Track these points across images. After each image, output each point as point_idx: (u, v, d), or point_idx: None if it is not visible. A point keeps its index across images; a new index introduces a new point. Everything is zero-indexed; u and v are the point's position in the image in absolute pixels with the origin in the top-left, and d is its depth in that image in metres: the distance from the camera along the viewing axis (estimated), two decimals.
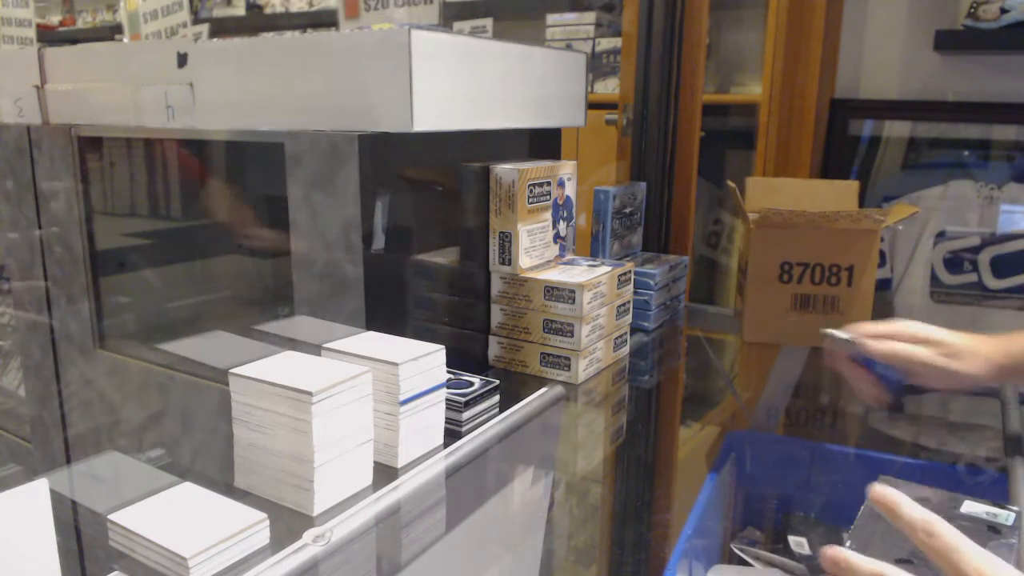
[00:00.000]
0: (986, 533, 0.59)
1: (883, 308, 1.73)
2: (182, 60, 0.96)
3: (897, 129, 1.74)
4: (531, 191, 0.98)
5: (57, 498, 0.50)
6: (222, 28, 3.23)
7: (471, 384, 0.84)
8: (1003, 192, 1.64)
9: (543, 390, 0.95)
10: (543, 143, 1.16)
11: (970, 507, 0.63)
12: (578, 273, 0.99)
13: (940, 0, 1.64)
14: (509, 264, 0.99)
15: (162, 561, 0.55)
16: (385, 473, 0.71)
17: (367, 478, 0.69)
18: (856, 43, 1.74)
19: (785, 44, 1.68)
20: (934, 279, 1.70)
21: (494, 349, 1.02)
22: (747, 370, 1.17)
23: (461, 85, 0.89)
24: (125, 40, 1.65)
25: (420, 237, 0.96)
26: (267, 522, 0.59)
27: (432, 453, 0.76)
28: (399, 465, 0.72)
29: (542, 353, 0.99)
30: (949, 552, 0.48)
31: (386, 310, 0.87)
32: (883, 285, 1.73)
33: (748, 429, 0.92)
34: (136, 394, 1.09)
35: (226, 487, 0.68)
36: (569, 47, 2.21)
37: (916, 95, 1.70)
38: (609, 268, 1.03)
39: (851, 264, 1.10)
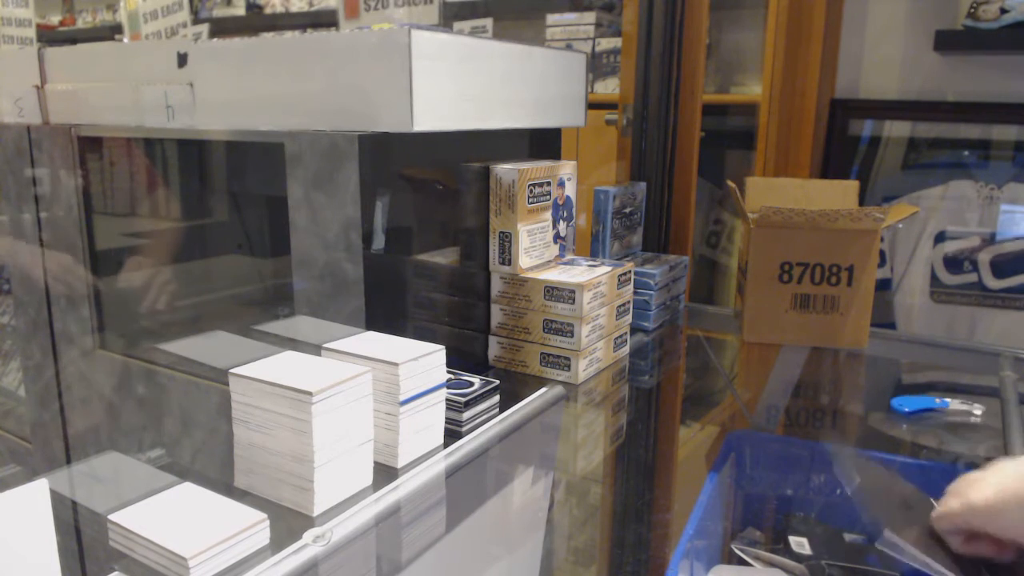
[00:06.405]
0: None
1: (883, 308, 1.73)
2: (182, 60, 0.96)
3: (897, 129, 1.74)
4: (531, 191, 0.98)
5: (57, 498, 0.50)
6: (222, 28, 3.23)
7: (471, 384, 0.84)
8: (1003, 192, 1.64)
9: (543, 390, 0.95)
10: (543, 143, 1.16)
11: None
12: (578, 273, 0.99)
13: (940, 0, 1.64)
14: (509, 264, 0.99)
15: (162, 561, 0.55)
16: (385, 473, 0.71)
17: (367, 478, 0.69)
18: (856, 43, 1.74)
19: (785, 44, 1.68)
20: (934, 279, 1.70)
21: (494, 349, 1.02)
22: (747, 370, 1.17)
23: (461, 85, 0.89)
24: (125, 40, 1.65)
25: (420, 237, 0.96)
26: (267, 522, 0.59)
27: (432, 453, 0.76)
28: (399, 465, 0.72)
29: (542, 353, 0.99)
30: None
31: (386, 310, 0.87)
32: (883, 285, 1.73)
33: (748, 429, 0.92)
34: (136, 394, 1.09)
35: (226, 487, 0.68)
36: (569, 47, 2.21)
37: (916, 95, 1.70)
38: (609, 268, 1.03)
39: (851, 264, 1.10)
